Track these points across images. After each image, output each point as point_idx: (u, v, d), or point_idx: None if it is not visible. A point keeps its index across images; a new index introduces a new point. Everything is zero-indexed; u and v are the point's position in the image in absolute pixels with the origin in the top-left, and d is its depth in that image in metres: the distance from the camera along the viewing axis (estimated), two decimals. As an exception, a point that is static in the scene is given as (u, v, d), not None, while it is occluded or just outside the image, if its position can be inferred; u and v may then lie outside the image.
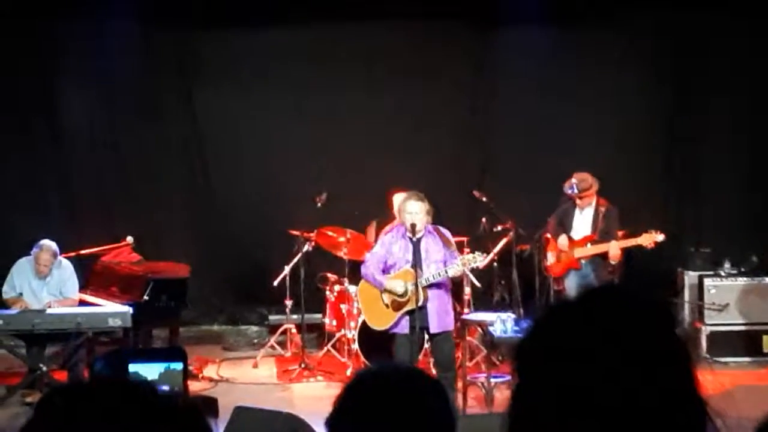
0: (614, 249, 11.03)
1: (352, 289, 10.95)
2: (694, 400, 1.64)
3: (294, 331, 12.50)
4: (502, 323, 9.19)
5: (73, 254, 11.62)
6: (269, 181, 13.73)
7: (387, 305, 9.28)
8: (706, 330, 11.99)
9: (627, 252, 11.28)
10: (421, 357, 9.75)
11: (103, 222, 13.50)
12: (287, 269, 12.03)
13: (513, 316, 9.50)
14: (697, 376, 1.66)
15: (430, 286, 9.05)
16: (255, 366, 12.07)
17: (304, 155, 13.61)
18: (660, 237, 10.93)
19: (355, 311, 11.00)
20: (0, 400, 10.01)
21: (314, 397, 10.34)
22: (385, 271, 9.32)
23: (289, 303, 12.31)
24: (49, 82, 13.73)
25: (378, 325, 9.47)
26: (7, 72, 13.40)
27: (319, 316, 12.59)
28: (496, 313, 9.71)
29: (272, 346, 12.48)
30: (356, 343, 10.96)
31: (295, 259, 11.89)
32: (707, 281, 12.26)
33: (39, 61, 13.59)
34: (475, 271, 10.71)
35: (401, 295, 9.12)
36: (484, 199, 11.62)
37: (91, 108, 13.84)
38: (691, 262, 12.65)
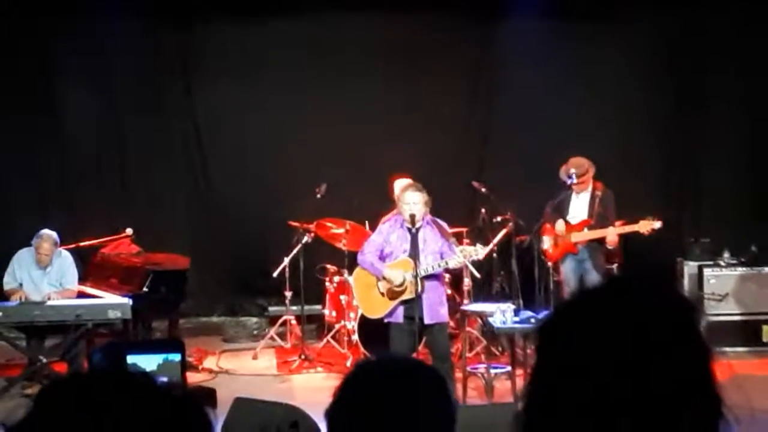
0: (612, 235, 11.06)
1: (351, 280, 10.95)
2: (711, 395, 1.64)
3: (294, 322, 12.50)
4: (502, 314, 9.19)
5: (73, 246, 11.61)
6: (269, 172, 13.74)
7: (382, 294, 9.27)
8: (705, 320, 11.98)
9: (624, 239, 11.30)
10: (420, 348, 9.74)
11: (103, 214, 13.51)
12: (287, 260, 12.03)
13: (512, 306, 9.51)
14: (716, 371, 1.66)
15: (427, 277, 9.05)
16: (255, 357, 12.07)
17: (303, 147, 13.61)
18: (657, 224, 10.92)
19: (354, 302, 11.00)
20: (0, 392, 10.01)
21: (314, 388, 10.35)
22: (382, 259, 9.31)
23: (288, 294, 12.31)
24: (50, 76, 13.73)
25: (372, 313, 9.47)
26: (7, 68, 13.39)
27: (319, 307, 12.61)
28: (496, 303, 9.71)
29: (272, 338, 12.48)
30: (356, 334, 10.97)
31: (295, 251, 11.89)
32: (707, 271, 12.26)
33: (39, 58, 13.62)
34: (474, 262, 10.71)
35: (398, 285, 9.12)
36: (484, 190, 11.60)
37: (91, 102, 13.82)
38: (691, 252, 12.64)
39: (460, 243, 9.72)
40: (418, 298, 8.95)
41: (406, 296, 9.08)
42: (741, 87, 13.74)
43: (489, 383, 9.71)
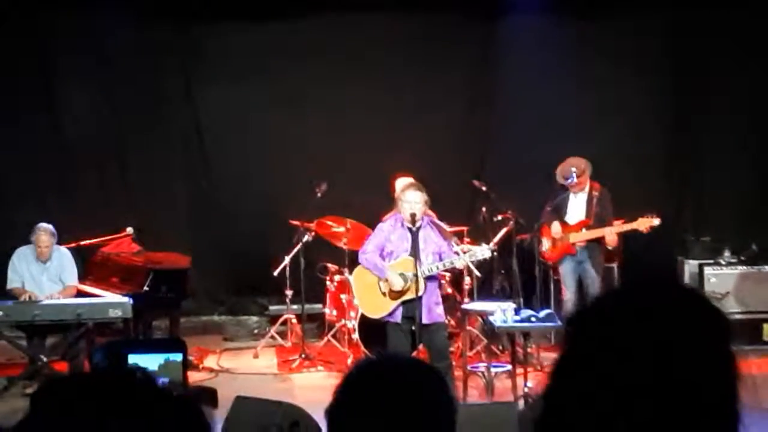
0: (611, 234, 11.03)
1: (352, 279, 10.95)
2: (733, 406, 1.64)
3: (294, 321, 12.51)
4: (503, 313, 9.19)
5: (73, 245, 11.63)
6: (269, 171, 13.74)
7: (384, 293, 9.28)
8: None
9: (624, 238, 11.29)
10: (420, 347, 9.74)
11: (104, 213, 13.51)
12: (287, 259, 12.02)
13: (513, 305, 9.52)
14: (739, 383, 1.66)
15: (427, 278, 9.06)
16: (255, 356, 12.07)
17: (304, 146, 13.61)
18: (656, 221, 10.91)
19: (355, 301, 11.00)
20: (0, 392, 10.01)
21: (315, 387, 10.35)
22: (382, 258, 9.32)
23: (289, 293, 12.31)
24: (50, 75, 13.72)
25: (373, 313, 9.48)
26: (7, 67, 13.39)
27: (320, 306, 12.60)
28: (497, 302, 9.72)
29: (273, 337, 12.48)
30: (357, 332, 10.96)
31: (296, 249, 11.88)
32: (707, 270, 12.27)
33: (39, 57, 13.60)
34: (475, 261, 10.72)
35: (400, 288, 9.13)
36: (484, 188, 11.61)
37: (91, 101, 13.83)
38: (691, 251, 12.65)
39: (461, 242, 9.70)
40: (419, 298, 8.96)
41: (409, 296, 9.08)
42: (742, 85, 13.72)
43: (489, 382, 9.72)
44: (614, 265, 12.07)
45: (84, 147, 13.89)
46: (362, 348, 10.86)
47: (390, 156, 12.60)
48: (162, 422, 1.68)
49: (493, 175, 12.89)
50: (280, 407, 6.05)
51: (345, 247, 11.78)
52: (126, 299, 10.42)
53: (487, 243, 10.62)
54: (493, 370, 9.85)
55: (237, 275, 14.25)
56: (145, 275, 11.15)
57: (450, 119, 14.01)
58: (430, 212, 9.46)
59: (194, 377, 10.46)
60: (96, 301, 10.65)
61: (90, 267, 11.86)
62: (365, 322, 10.49)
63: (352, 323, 11.14)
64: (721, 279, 12.15)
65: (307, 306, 12.17)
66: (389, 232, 9.32)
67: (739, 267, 12.29)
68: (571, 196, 11.27)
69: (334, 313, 12.02)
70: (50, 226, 10.95)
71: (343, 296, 11.68)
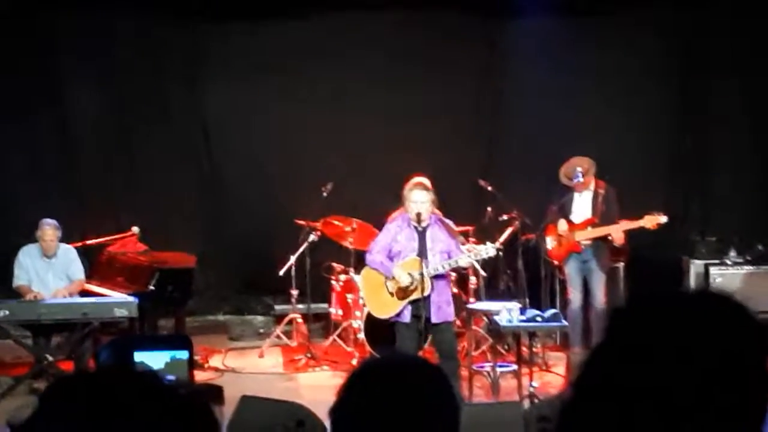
0: (617, 232, 10.98)
1: (357, 278, 10.94)
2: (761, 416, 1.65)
3: (300, 320, 12.50)
4: (508, 312, 9.20)
5: (79, 244, 11.66)
6: (275, 171, 13.76)
7: (391, 294, 9.28)
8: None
9: (630, 237, 11.27)
10: (426, 346, 9.75)
11: (109, 212, 13.54)
12: (293, 259, 12.01)
13: (518, 305, 9.52)
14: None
15: (435, 276, 9.06)
16: (261, 356, 12.08)
17: (310, 146, 13.62)
18: (663, 218, 10.86)
19: (360, 301, 11.00)
20: (6, 391, 10.03)
21: (320, 386, 10.35)
22: (390, 259, 9.32)
23: (294, 293, 12.31)
24: (55, 75, 13.72)
25: (381, 313, 9.47)
26: (12, 66, 13.40)
27: (325, 305, 12.61)
28: (502, 302, 9.72)
29: (278, 336, 12.48)
30: (362, 332, 10.97)
31: (301, 249, 11.88)
32: (713, 270, 12.26)
33: (45, 56, 13.59)
34: (480, 260, 10.73)
35: (406, 285, 9.13)
36: (490, 188, 11.61)
37: (96, 100, 13.85)
38: (697, 251, 12.64)
39: (467, 241, 9.70)
40: (426, 297, 8.97)
41: (416, 295, 9.08)
42: (749, 85, 13.72)
43: (495, 381, 9.72)
44: (620, 265, 12.06)
45: (89, 147, 13.92)
46: (368, 347, 10.87)
47: (396, 156, 12.61)
48: (171, 421, 1.68)
49: (498, 175, 12.89)
50: (286, 407, 6.06)
51: (351, 246, 11.78)
52: (131, 298, 10.43)
53: (493, 243, 10.63)
54: (498, 369, 9.85)
55: (242, 275, 14.27)
56: (151, 274, 11.16)
57: (456, 119, 14.00)
58: (437, 211, 9.45)
59: (200, 376, 10.47)
60: (101, 300, 10.66)
61: (96, 266, 11.88)
62: (371, 322, 10.50)
63: (358, 323, 11.15)
64: (727, 279, 12.14)
65: (312, 305, 12.17)
66: (396, 232, 9.32)
67: (745, 267, 12.29)
68: (576, 195, 11.23)
69: (340, 312, 12.03)
70: (53, 221, 10.99)
71: (348, 296, 11.69)
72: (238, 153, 13.96)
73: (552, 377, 10.72)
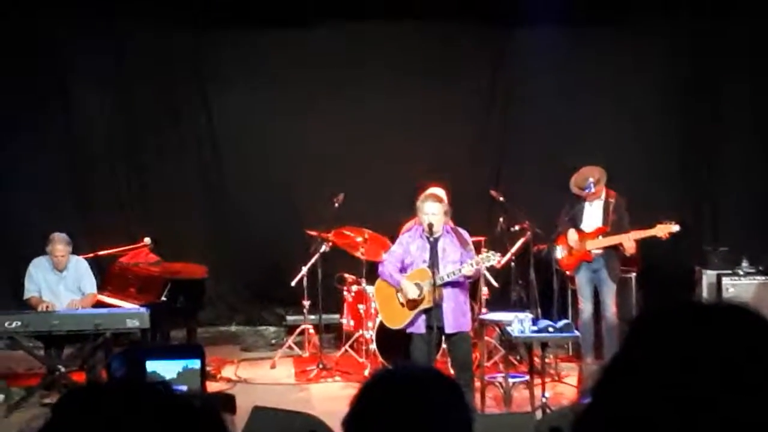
0: (629, 241, 10.93)
1: (369, 289, 10.94)
2: None
3: (312, 331, 12.50)
4: (520, 323, 9.18)
5: (91, 255, 11.68)
6: (287, 181, 13.76)
7: (402, 304, 9.30)
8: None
9: (642, 247, 11.23)
10: (438, 357, 9.74)
11: (121, 223, 13.57)
12: (305, 270, 12.02)
13: (530, 315, 9.51)
14: None
15: (446, 285, 9.05)
16: (273, 366, 12.07)
17: (321, 157, 13.62)
18: (676, 227, 10.80)
19: (372, 311, 11.00)
20: (19, 402, 10.03)
21: (332, 397, 10.35)
22: (403, 269, 9.35)
23: (306, 303, 12.31)
24: (65, 83, 13.76)
25: (393, 324, 9.49)
26: (24, 73, 13.43)
27: (337, 316, 12.61)
28: (514, 312, 9.71)
29: (290, 347, 12.48)
30: (374, 343, 10.96)
31: (313, 260, 11.88)
32: (725, 280, 12.22)
33: (54, 63, 13.61)
34: (492, 270, 10.70)
35: (414, 297, 9.14)
36: (502, 198, 11.59)
37: (107, 110, 13.89)
38: (709, 261, 12.60)
39: (478, 252, 9.69)
40: (437, 306, 8.97)
41: (425, 305, 9.09)
42: (758, 93, 13.68)
43: (507, 392, 9.70)
44: (632, 275, 12.03)
45: (100, 157, 13.94)
46: (379, 358, 10.86)
47: (407, 166, 12.63)
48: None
49: (509, 185, 12.88)
50: (298, 417, 6.05)
51: (362, 257, 11.78)
52: (143, 309, 10.43)
53: (504, 253, 10.63)
54: (510, 380, 9.83)
55: (254, 285, 14.27)
56: (163, 285, 11.18)
57: (466, 130, 14.01)
58: (450, 222, 9.46)
59: (212, 387, 10.47)
60: (114, 311, 10.67)
61: (108, 277, 11.90)
62: (383, 332, 10.50)
63: (370, 333, 11.14)
64: (739, 289, 12.10)
65: (324, 316, 12.17)
66: (408, 243, 9.35)
67: (758, 277, 12.24)
68: (587, 204, 11.21)
69: (352, 323, 12.03)
70: (65, 235, 11.00)
71: (360, 306, 11.68)
72: (249, 163, 13.97)
73: (564, 388, 10.71)
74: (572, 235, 11.11)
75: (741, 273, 12.29)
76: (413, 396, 2.24)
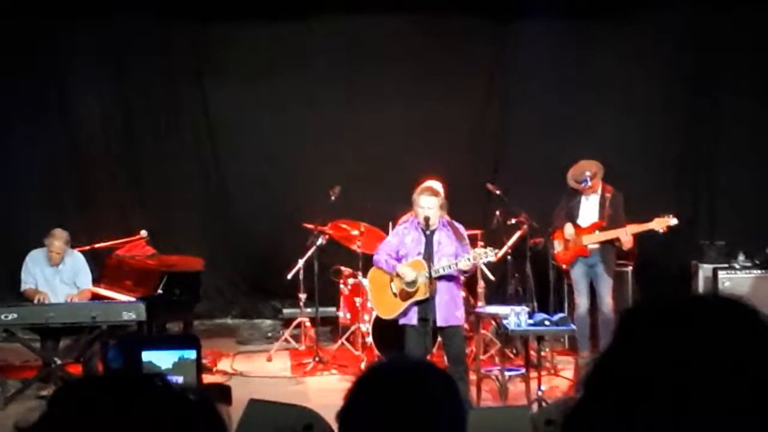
0: (626, 235, 10.94)
1: (365, 282, 10.95)
2: None
3: (308, 324, 12.50)
4: (516, 316, 9.19)
5: (87, 248, 11.66)
6: (283, 174, 13.76)
7: (395, 294, 9.29)
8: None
9: (639, 242, 11.24)
10: (435, 350, 9.74)
11: (118, 216, 13.56)
12: (301, 262, 12.01)
13: (527, 309, 9.51)
14: None
15: (440, 279, 9.05)
16: (269, 359, 12.07)
17: (317, 149, 13.63)
18: (673, 221, 10.81)
19: (369, 304, 11.00)
20: (15, 394, 10.03)
21: (328, 390, 10.33)
22: (397, 261, 9.33)
23: (303, 296, 12.31)
24: (63, 77, 13.76)
25: (385, 313, 9.51)
26: (22, 69, 13.43)
27: (333, 309, 12.60)
28: (510, 306, 9.71)
29: (286, 340, 12.47)
30: (370, 336, 10.97)
31: (309, 253, 11.88)
32: (721, 274, 12.23)
33: (53, 58, 13.62)
34: (488, 264, 10.70)
35: (409, 284, 9.13)
36: (498, 192, 11.59)
37: (104, 103, 13.89)
38: (706, 255, 12.61)
39: (474, 246, 9.69)
40: (431, 299, 8.97)
41: (417, 297, 9.10)
42: (757, 87, 13.68)
43: (503, 385, 9.72)
44: (628, 269, 12.04)
45: (98, 150, 13.94)
46: (376, 351, 10.86)
47: (404, 160, 12.63)
48: (178, 424, 1.68)
49: (506, 178, 12.90)
50: (294, 410, 6.05)
51: (359, 250, 11.78)
52: (139, 302, 10.44)
53: (501, 246, 10.62)
54: (506, 373, 9.84)
55: (251, 278, 14.28)
56: (159, 278, 11.17)
57: (463, 123, 14.01)
58: (446, 215, 9.45)
59: (208, 380, 10.47)
60: (110, 303, 10.66)
61: (104, 270, 11.89)
62: (379, 325, 10.51)
63: (366, 326, 11.14)
64: (736, 283, 12.10)
65: (320, 309, 12.16)
66: (404, 234, 9.36)
67: (754, 271, 12.25)
68: (583, 198, 11.22)
69: (348, 316, 12.03)
70: (65, 233, 10.95)
71: (356, 299, 11.68)
72: (246, 156, 13.97)
73: (560, 381, 10.71)
74: (568, 229, 11.12)
75: (737, 267, 12.31)
76: (406, 388, 2.24)
